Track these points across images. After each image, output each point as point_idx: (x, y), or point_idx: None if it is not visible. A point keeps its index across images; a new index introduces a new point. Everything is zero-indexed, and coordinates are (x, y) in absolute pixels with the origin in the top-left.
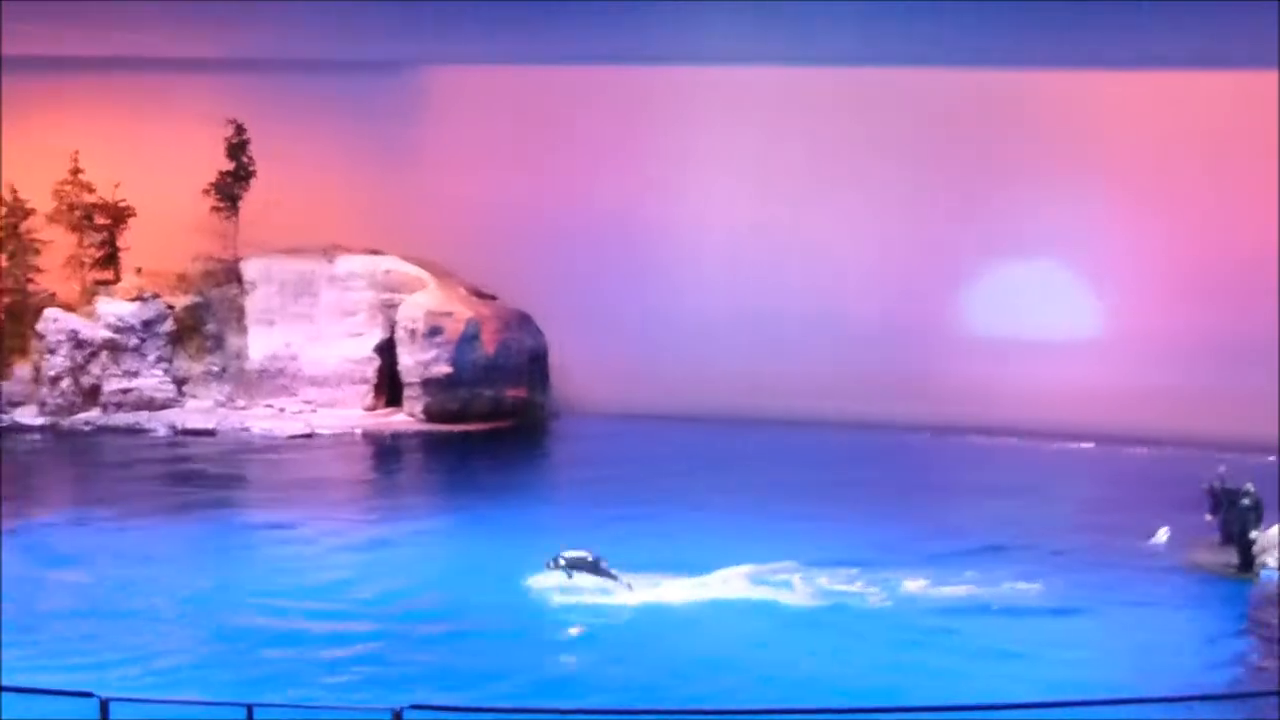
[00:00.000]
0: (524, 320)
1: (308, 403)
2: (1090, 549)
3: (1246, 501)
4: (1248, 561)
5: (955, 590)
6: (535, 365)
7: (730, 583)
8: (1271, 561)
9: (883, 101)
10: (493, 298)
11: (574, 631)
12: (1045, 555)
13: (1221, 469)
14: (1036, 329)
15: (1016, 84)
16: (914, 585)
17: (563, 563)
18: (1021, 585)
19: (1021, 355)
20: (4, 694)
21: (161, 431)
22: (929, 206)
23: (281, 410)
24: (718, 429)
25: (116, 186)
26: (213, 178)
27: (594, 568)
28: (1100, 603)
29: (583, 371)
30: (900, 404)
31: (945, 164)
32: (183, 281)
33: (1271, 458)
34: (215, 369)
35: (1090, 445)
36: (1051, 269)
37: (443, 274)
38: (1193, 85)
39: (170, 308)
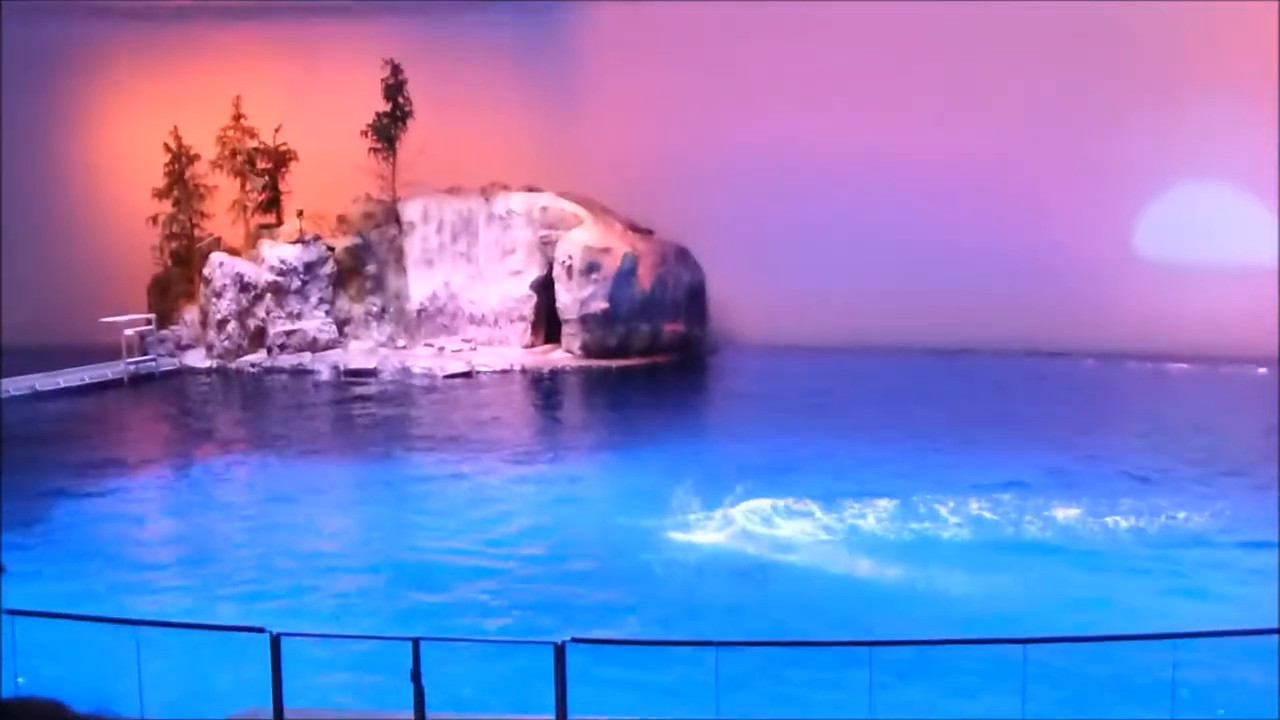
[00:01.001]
0: (682, 254)
1: (467, 341)
2: (1257, 475)
3: None
4: None
5: (1115, 520)
6: (693, 299)
7: (877, 515)
8: None
9: (1053, 27)
10: (650, 232)
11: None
12: (1206, 483)
13: None
14: (1204, 253)
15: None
16: (1068, 514)
17: None
18: (1180, 514)
19: (1189, 281)
20: (176, 629)
21: (325, 373)
22: (1097, 134)
23: (442, 349)
24: (875, 359)
25: (277, 130)
26: (370, 120)
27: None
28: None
29: (741, 304)
30: (1065, 331)
31: (1118, 91)
32: (343, 223)
33: None
34: (376, 309)
35: (1262, 370)
36: (1222, 193)
37: (599, 210)
38: None
39: (331, 250)
